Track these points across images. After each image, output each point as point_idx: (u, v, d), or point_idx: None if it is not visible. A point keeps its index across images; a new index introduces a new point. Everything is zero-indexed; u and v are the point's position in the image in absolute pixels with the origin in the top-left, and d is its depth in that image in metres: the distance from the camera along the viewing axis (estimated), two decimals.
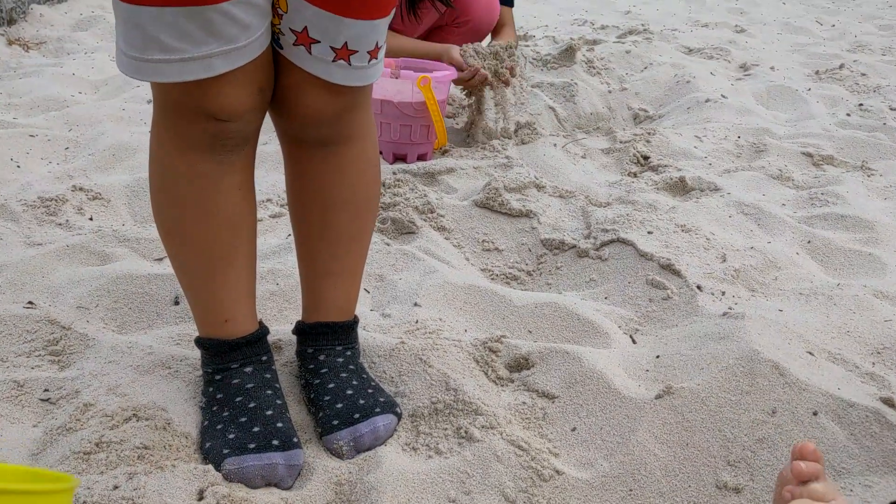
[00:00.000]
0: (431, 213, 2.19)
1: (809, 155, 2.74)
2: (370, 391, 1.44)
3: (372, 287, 1.90)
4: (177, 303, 1.74)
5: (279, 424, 1.33)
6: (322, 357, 1.48)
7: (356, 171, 1.42)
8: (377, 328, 1.69)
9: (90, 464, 1.26)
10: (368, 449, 1.37)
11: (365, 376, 1.48)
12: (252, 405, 1.35)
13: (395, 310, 1.77)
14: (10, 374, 1.46)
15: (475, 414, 1.41)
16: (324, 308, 1.49)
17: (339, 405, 1.40)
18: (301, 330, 1.51)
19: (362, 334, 1.62)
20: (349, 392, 1.42)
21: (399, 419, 1.42)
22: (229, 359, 1.39)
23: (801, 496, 0.93)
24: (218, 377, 1.39)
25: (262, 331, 1.43)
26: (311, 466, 1.33)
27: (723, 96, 3.39)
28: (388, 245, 2.06)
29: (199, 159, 1.28)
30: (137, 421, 1.34)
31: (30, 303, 1.68)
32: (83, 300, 1.72)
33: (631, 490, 1.29)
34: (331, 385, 1.43)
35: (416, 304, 1.78)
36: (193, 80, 1.16)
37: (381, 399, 1.43)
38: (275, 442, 1.30)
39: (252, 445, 1.29)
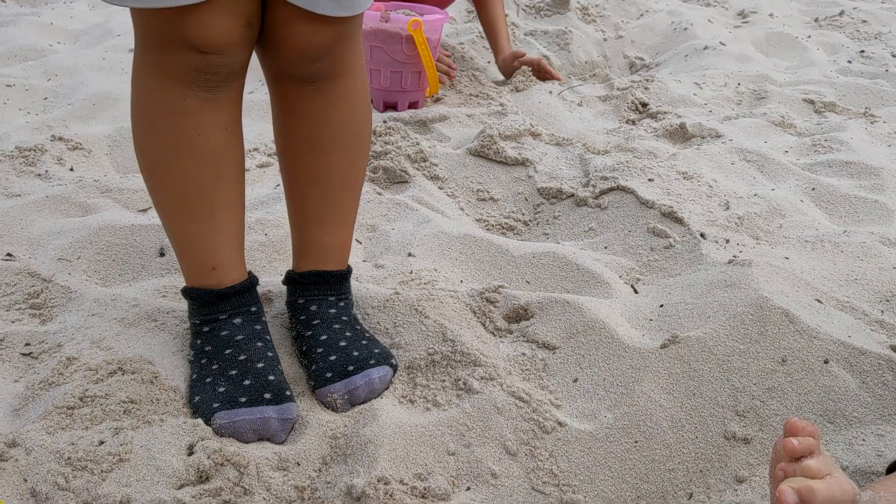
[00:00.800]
0: (424, 161, 2.12)
1: (811, 102, 2.67)
2: (364, 342, 1.39)
3: (364, 237, 1.84)
4: (162, 254, 1.67)
5: (271, 377, 1.28)
6: (314, 308, 1.42)
7: (347, 108, 1.35)
8: (370, 279, 1.63)
9: (74, 419, 1.21)
10: (364, 402, 1.32)
11: (359, 328, 1.43)
12: (242, 358, 1.29)
13: (389, 260, 1.72)
14: None
15: (474, 365, 1.36)
16: (315, 255, 1.43)
17: (333, 357, 1.35)
18: (291, 279, 1.45)
19: (355, 285, 1.57)
20: (342, 344, 1.37)
21: (395, 371, 1.38)
22: (217, 309, 1.33)
23: (794, 474, 0.88)
24: (206, 329, 1.33)
25: (252, 280, 1.37)
26: (304, 420, 1.28)
27: (721, 44, 3.31)
28: (379, 195, 1.99)
29: (181, 95, 1.21)
30: (123, 375, 1.29)
31: (8, 255, 1.61)
32: (65, 252, 1.65)
33: (636, 442, 1.25)
34: (323, 337, 1.38)
35: (409, 255, 1.72)
36: (175, 7, 1.09)
37: (376, 350, 1.38)
38: (266, 395, 1.25)
39: (243, 399, 1.24)
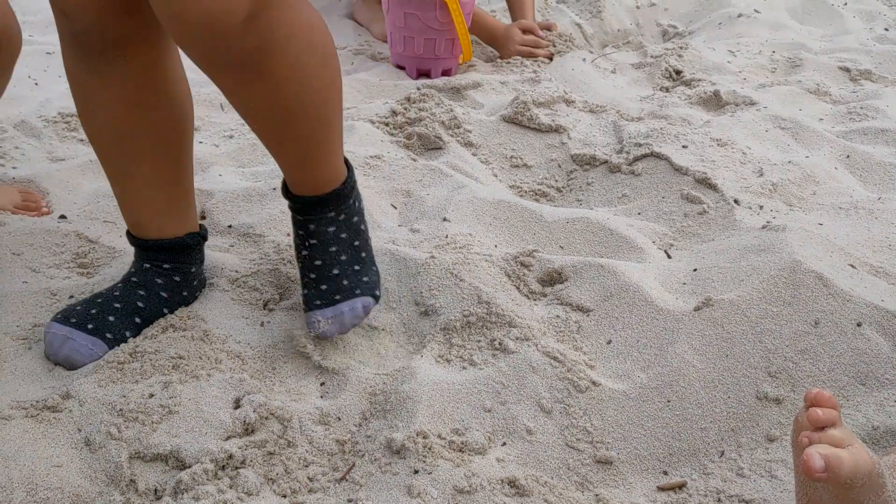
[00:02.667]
0: (458, 128, 2.13)
1: (847, 70, 2.65)
2: (356, 268, 1.41)
3: (399, 203, 1.87)
4: (203, 217, 1.71)
5: (110, 318, 1.33)
6: (312, 226, 1.39)
7: (296, 81, 1.19)
8: (406, 243, 1.66)
9: (124, 373, 1.26)
10: (349, 327, 1.37)
11: (357, 243, 1.42)
12: (116, 293, 1.36)
13: (424, 225, 1.74)
14: (45, 284, 1.45)
15: (509, 326, 1.39)
16: (307, 188, 1.37)
17: (324, 286, 1.38)
18: (288, 195, 1.40)
19: (391, 248, 1.59)
20: (335, 272, 1.39)
21: (376, 301, 1.42)
22: (138, 256, 1.41)
23: (819, 442, 0.90)
24: (132, 269, 1.40)
25: (176, 241, 1.39)
26: (345, 377, 1.32)
27: (756, 11, 3.27)
28: (414, 161, 2.01)
29: (71, 65, 1.26)
30: (174, 332, 1.34)
31: (62, 216, 1.66)
32: (110, 215, 1.70)
33: (669, 401, 1.27)
34: (318, 262, 1.39)
35: (444, 220, 1.74)
36: None
37: (364, 279, 1.41)
38: (90, 326, 1.31)
39: (73, 319, 1.31)
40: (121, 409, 1.18)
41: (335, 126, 1.33)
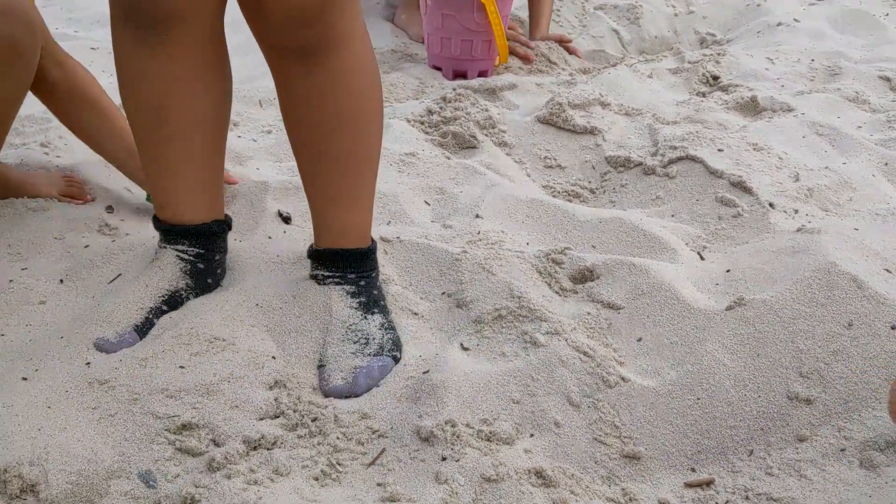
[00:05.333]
0: (493, 128, 2.15)
1: (887, 79, 2.62)
2: (375, 332, 1.37)
3: (432, 199, 1.88)
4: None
5: (138, 307, 1.35)
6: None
7: (348, 83, 1.30)
8: (439, 238, 1.67)
9: (157, 352, 1.28)
10: (364, 390, 1.30)
11: (377, 309, 1.41)
12: (141, 282, 1.38)
13: (457, 221, 1.75)
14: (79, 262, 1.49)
15: (539, 321, 1.39)
16: (332, 234, 1.42)
17: (343, 365, 1.32)
18: (311, 254, 1.45)
19: (424, 243, 1.61)
20: (352, 350, 1.34)
21: (396, 363, 1.35)
22: (163, 242, 1.43)
23: None
24: (157, 256, 1.43)
25: (203, 228, 1.41)
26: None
27: (795, 20, 3.25)
28: (448, 158, 2.03)
29: (120, 37, 1.27)
30: (208, 314, 1.36)
31: (109, 207, 1.70)
32: (146, 206, 1.73)
33: (698, 399, 1.27)
34: (338, 334, 1.36)
35: (477, 216, 1.75)
36: None
37: (385, 341, 1.36)
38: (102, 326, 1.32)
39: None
40: (156, 387, 1.21)
41: (371, 166, 1.39)
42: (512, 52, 2.67)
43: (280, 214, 1.70)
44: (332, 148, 1.35)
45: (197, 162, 1.38)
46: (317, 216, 1.43)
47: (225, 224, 1.46)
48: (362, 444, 1.21)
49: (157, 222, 1.44)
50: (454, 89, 2.31)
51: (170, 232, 1.42)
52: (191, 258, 1.41)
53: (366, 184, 1.41)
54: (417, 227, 1.71)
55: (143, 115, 1.34)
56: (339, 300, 1.38)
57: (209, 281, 1.44)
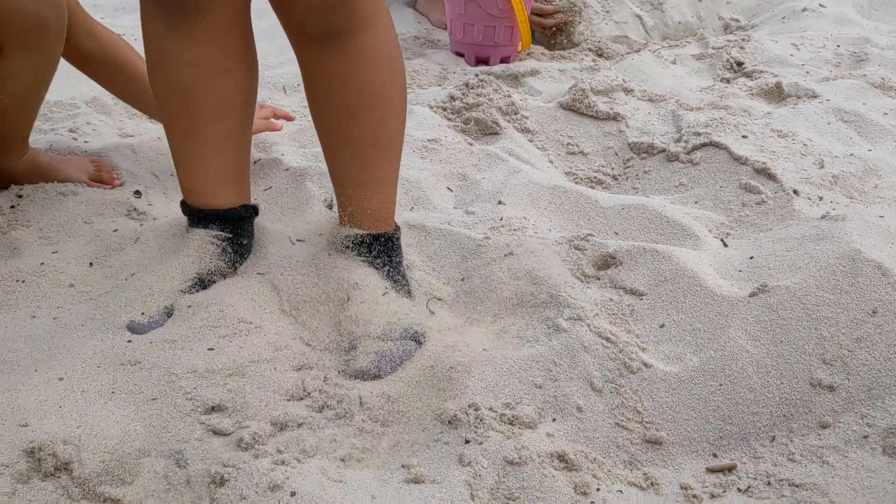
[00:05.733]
0: (515, 114, 2.15)
1: None
2: (400, 315, 1.38)
3: (455, 186, 1.89)
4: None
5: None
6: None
7: (370, 68, 1.32)
8: (462, 224, 1.68)
9: (187, 333, 1.30)
10: (388, 373, 1.32)
11: (400, 292, 1.43)
12: (169, 266, 1.40)
13: (479, 207, 1.76)
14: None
15: (562, 306, 1.40)
16: (356, 217, 1.44)
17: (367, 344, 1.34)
18: (337, 238, 1.46)
19: (447, 229, 1.62)
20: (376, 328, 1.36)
21: (420, 346, 1.35)
22: (191, 223, 1.45)
23: None
24: (185, 240, 1.44)
25: (230, 212, 1.43)
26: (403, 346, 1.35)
27: (820, 5, 3.22)
28: (470, 145, 2.03)
29: (149, 23, 1.29)
30: (236, 296, 1.38)
31: (136, 192, 1.72)
32: (174, 191, 1.75)
33: (721, 385, 1.27)
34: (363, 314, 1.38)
35: (499, 203, 1.76)
36: None
37: (409, 324, 1.38)
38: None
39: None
40: (186, 369, 1.23)
41: (395, 149, 1.41)
42: (542, 26, 2.66)
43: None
44: (355, 132, 1.37)
45: (225, 146, 1.40)
46: (342, 200, 1.45)
47: (252, 209, 1.47)
48: (387, 427, 1.23)
49: (186, 207, 1.46)
50: (476, 75, 2.31)
51: (199, 216, 1.44)
52: (219, 242, 1.43)
53: (390, 168, 1.43)
54: (440, 214, 1.72)
55: (171, 99, 1.36)
56: (363, 284, 1.40)
57: (236, 265, 1.45)
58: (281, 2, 1.27)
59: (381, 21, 1.31)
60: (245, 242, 1.47)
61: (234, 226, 1.44)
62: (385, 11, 1.33)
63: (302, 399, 1.24)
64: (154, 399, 1.20)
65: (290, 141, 2.03)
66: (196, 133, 1.37)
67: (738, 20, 3.30)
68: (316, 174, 1.79)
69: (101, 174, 1.73)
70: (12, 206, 1.61)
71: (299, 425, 1.19)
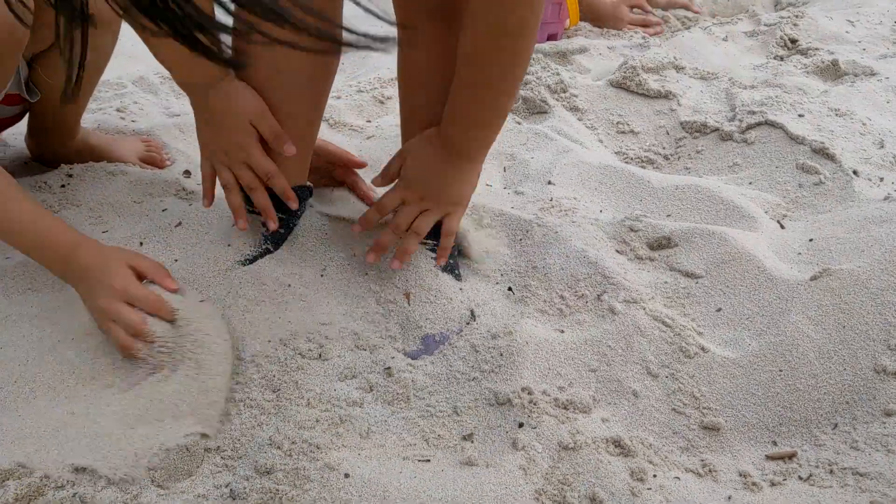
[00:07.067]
0: (564, 92, 2.11)
1: None
2: (452, 296, 1.38)
3: (503, 165, 1.86)
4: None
5: None
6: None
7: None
8: (511, 204, 1.66)
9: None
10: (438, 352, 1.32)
11: (453, 274, 1.43)
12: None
13: (529, 188, 1.73)
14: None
15: (616, 289, 1.37)
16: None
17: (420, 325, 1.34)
18: None
19: (496, 209, 1.59)
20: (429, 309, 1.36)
21: (471, 328, 1.34)
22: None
23: None
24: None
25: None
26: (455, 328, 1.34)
27: None
28: (518, 124, 2.00)
29: None
30: (294, 277, 1.37)
31: (186, 171, 1.72)
32: None
33: (781, 370, 1.24)
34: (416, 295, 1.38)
35: (549, 183, 1.73)
36: None
37: (461, 306, 1.37)
38: None
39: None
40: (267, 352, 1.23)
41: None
42: (644, 25, 2.62)
43: None
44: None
45: (299, 124, 1.36)
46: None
47: (308, 190, 1.46)
48: (439, 410, 1.21)
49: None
50: None
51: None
52: (290, 223, 1.40)
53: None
54: (490, 194, 1.70)
55: (260, 72, 1.30)
56: (416, 265, 1.38)
57: (287, 245, 1.44)
58: None
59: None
60: (297, 223, 1.45)
61: (288, 208, 1.40)
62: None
63: (354, 378, 1.23)
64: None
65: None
66: (276, 110, 1.32)
67: None
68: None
69: (152, 154, 1.74)
70: (62, 186, 1.62)
71: (352, 405, 1.18)
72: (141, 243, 1.50)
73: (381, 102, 2.14)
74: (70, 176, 1.64)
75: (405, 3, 1.32)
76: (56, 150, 1.68)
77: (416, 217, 1.36)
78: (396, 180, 1.40)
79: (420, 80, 1.38)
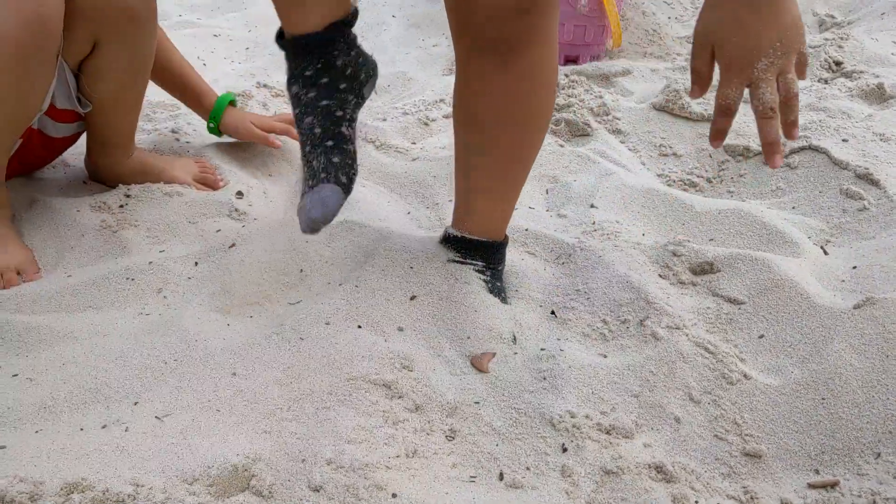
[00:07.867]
0: (607, 115, 2.14)
1: None
2: (494, 321, 1.40)
3: (546, 188, 1.89)
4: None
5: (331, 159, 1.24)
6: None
7: (532, 84, 1.33)
8: (554, 227, 1.68)
9: None
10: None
11: (499, 298, 1.45)
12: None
13: (571, 211, 1.76)
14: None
15: (659, 314, 1.39)
16: (473, 222, 1.47)
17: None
18: (447, 237, 1.50)
19: (539, 230, 1.62)
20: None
21: (512, 350, 1.37)
22: (293, 67, 1.25)
23: None
24: (294, 90, 1.27)
25: (328, 32, 1.21)
26: (500, 353, 1.36)
27: None
28: (561, 147, 2.03)
29: None
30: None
31: (239, 193, 1.77)
32: (270, 192, 1.80)
33: (823, 399, 1.25)
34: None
35: (592, 206, 1.76)
36: None
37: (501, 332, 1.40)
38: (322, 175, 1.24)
39: (310, 182, 1.24)
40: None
41: (528, 165, 1.43)
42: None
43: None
44: (498, 143, 1.38)
45: None
46: (462, 202, 1.47)
47: (352, 16, 1.27)
48: (484, 431, 1.24)
49: (281, 39, 1.27)
50: (566, 75, 2.30)
51: (304, 44, 1.23)
52: (320, 70, 1.24)
53: (519, 181, 1.45)
54: (533, 217, 1.72)
55: None
56: (465, 287, 1.42)
57: (361, 81, 1.30)
58: (460, 5, 1.27)
59: (550, 41, 1.32)
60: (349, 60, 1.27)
61: (328, 47, 1.24)
62: (555, 31, 1.33)
63: (400, 398, 1.26)
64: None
65: None
66: None
67: (833, 17, 3.20)
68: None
69: (206, 175, 1.79)
70: (121, 206, 1.68)
71: (395, 424, 1.21)
72: (196, 263, 1.55)
73: (426, 125, 2.18)
74: (128, 196, 1.70)
75: (458, 38, 1.35)
76: (113, 168, 1.74)
77: (771, 88, 1.13)
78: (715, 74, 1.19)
79: (475, 114, 1.38)
